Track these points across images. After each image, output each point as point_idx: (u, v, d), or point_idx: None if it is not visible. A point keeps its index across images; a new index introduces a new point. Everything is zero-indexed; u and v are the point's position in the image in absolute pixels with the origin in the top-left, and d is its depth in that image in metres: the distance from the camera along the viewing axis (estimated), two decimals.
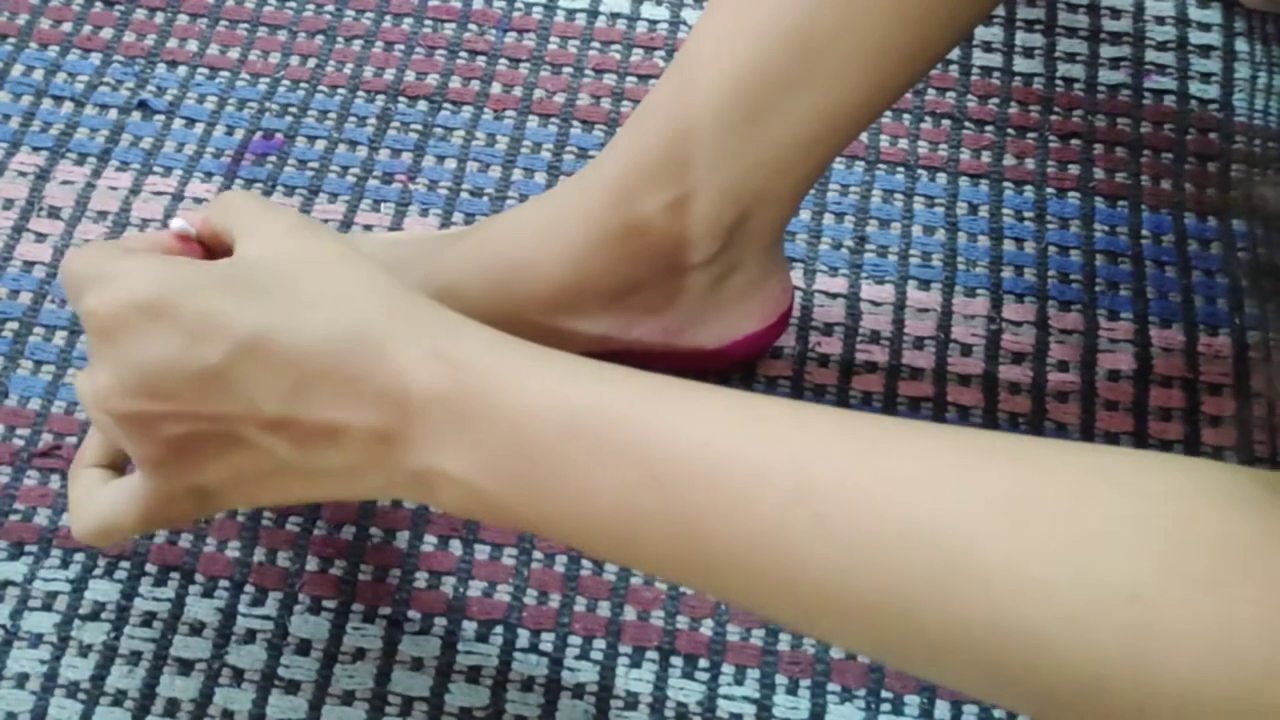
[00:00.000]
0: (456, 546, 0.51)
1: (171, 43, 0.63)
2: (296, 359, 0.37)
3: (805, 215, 0.59)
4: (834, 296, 0.57)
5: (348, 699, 0.48)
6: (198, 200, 0.58)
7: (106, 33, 0.63)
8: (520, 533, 0.44)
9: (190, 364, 0.37)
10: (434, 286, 0.48)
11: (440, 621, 0.49)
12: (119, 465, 0.44)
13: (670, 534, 0.35)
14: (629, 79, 0.63)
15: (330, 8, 0.64)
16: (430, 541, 0.51)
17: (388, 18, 0.64)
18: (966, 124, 0.62)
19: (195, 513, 0.41)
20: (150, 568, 0.50)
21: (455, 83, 0.62)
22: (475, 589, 0.50)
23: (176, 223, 0.43)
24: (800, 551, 0.33)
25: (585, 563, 0.51)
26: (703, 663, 0.49)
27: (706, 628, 0.50)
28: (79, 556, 0.50)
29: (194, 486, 0.40)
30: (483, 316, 0.40)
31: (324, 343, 0.37)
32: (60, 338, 0.55)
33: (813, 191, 0.59)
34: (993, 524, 0.31)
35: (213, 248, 0.43)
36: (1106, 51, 0.64)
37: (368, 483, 0.39)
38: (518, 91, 0.62)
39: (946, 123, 0.62)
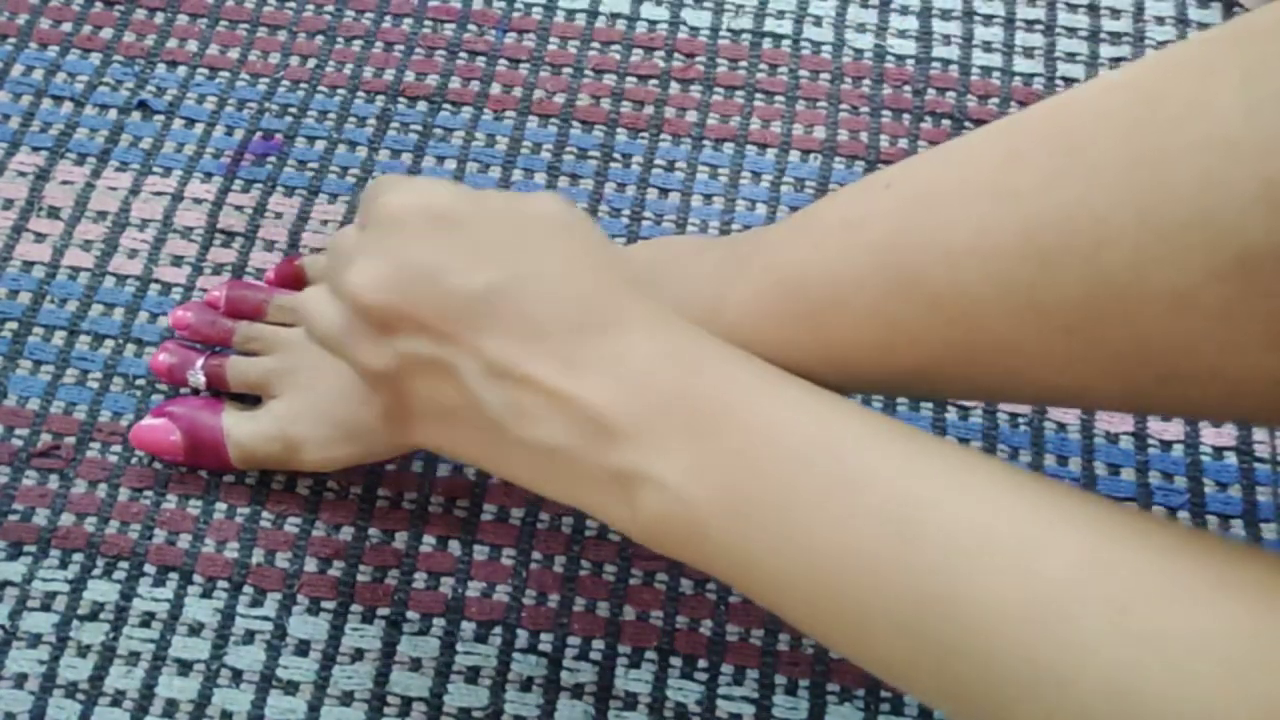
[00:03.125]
0: (455, 547, 0.51)
1: (171, 43, 0.63)
2: (542, 316, 0.37)
3: None
4: None
5: (346, 699, 0.48)
6: (197, 201, 0.58)
7: (106, 33, 0.63)
8: (681, 561, 0.38)
9: (452, 280, 0.37)
10: (695, 313, 0.41)
11: (439, 622, 0.49)
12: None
13: (900, 591, 0.32)
14: (629, 79, 0.63)
15: (330, 8, 0.64)
16: (429, 542, 0.51)
17: (388, 18, 0.64)
18: (966, 124, 0.61)
19: (392, 437, 0.41)
20: (149, 568, 0.50)
21: (455, 83, 0.62)
22: (474, 589, 0.50)
23: None
24: (1086, 643, 0.29)
25: (584, 563, 0.51)
26: (701, 663, 0.49)
27: (705, 628, 0.49)
28: (77, 557, 0.50)
29: (401, 409, 0.40)
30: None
31: (574, 310, 0.37)
32: (59, 338, 0.55)
33: (812, 191, 0.59)
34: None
35: None
36: (1106, 51, 0.64)
37: (562, 472, 0.37)
38: (518, 92, 0.62)
39: (946, 123, 0.62)
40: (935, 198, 0.36)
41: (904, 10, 0.65)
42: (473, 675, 0.48)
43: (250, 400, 0.52)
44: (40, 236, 0.57)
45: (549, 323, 0.37)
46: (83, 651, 0.48)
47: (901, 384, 0.39)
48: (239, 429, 0.50)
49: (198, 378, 0.52)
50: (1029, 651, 0.30)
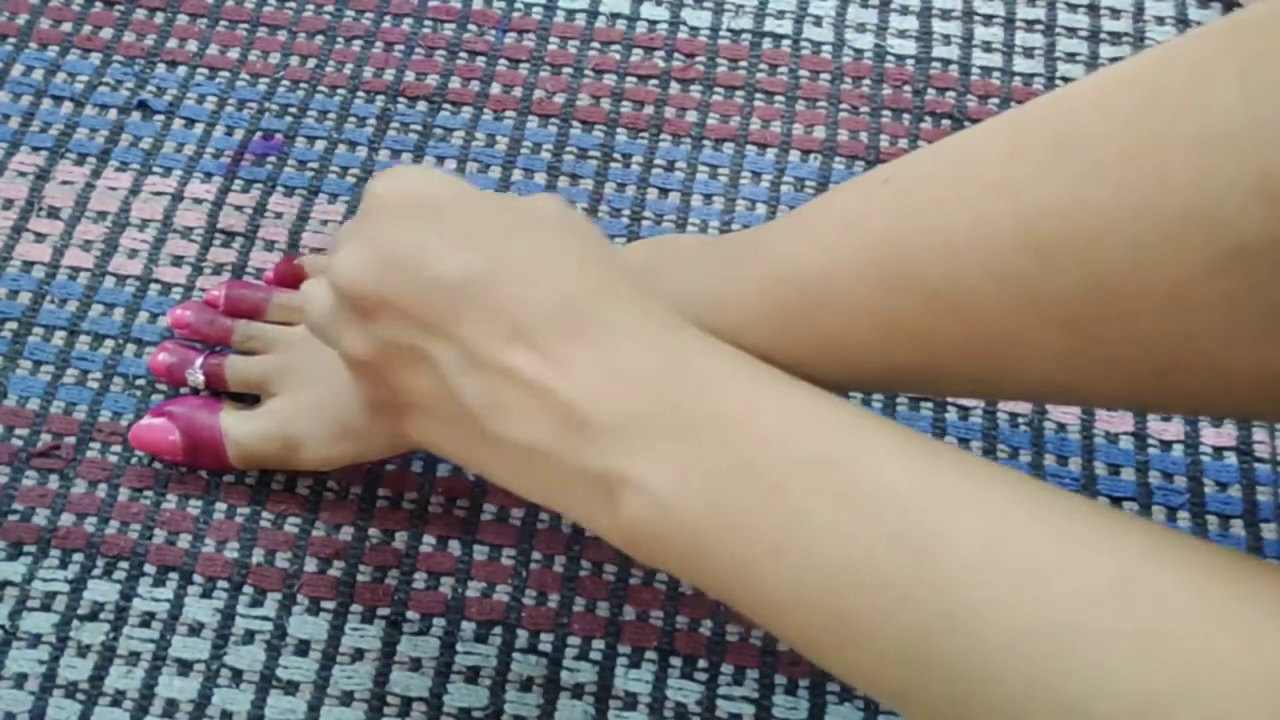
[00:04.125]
0: (455, 547, 0.51)
1: (171, 43, 0.63)
2: (524, 307, 0.36)
3: None
4: None
5: (346, 700, 0.48)
6: (197, 201, 0.58)
7: (106, 33, 0.63)
8: (670, 574, 0.39)
9: (432, 265, 0.36)
10: (695, 311, 0.40)
11: (439, 622, 0.49)
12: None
13: (910, 610, 0.30)
14: (629, 79, 0.63)
15: (330, 8, 0.64)
16: (429, 542, 0.51)
17: (388, 18, 0.64)
18: (966, 124, 0.61)
19: (382, 431, 0.42)
20: (149, 568, 0.50)
21: (455, 83, 0.62)
22: (474, 589, 0.50)
23: None
24: (1107, 666, 0.28)
25: (584, 563, 0.51)
26: (701, 663, 0.49)
27: (705, 628, 0.49)
28: (77, 557, 0.50)
29: (386, 401, 0.40)
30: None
31: (559, 303, 0.35)
32: (59, 338, 0.55)
33: (812, 191, 0.59)
34: None
35: None
36: (1106, 51, 0.64)
37: (540, 471, 0.36)
38: (518, 92, 0.62)
39: (946, 123, 0.62)
40: (932, 192, 0.36)
41: (904, 10, 0.65)
42: (473, 675, 0.48)
43: (249, 399, 0.52)
44: (40, 236, 0.57)
45: (531, 314, 0.35)
46: (83, 651, 0.48)
47: (900, 380, 0.39)
48: (237, 428, 0.50)
49: (196, 377, 0.52)
50: (1046, 675, 0.28)
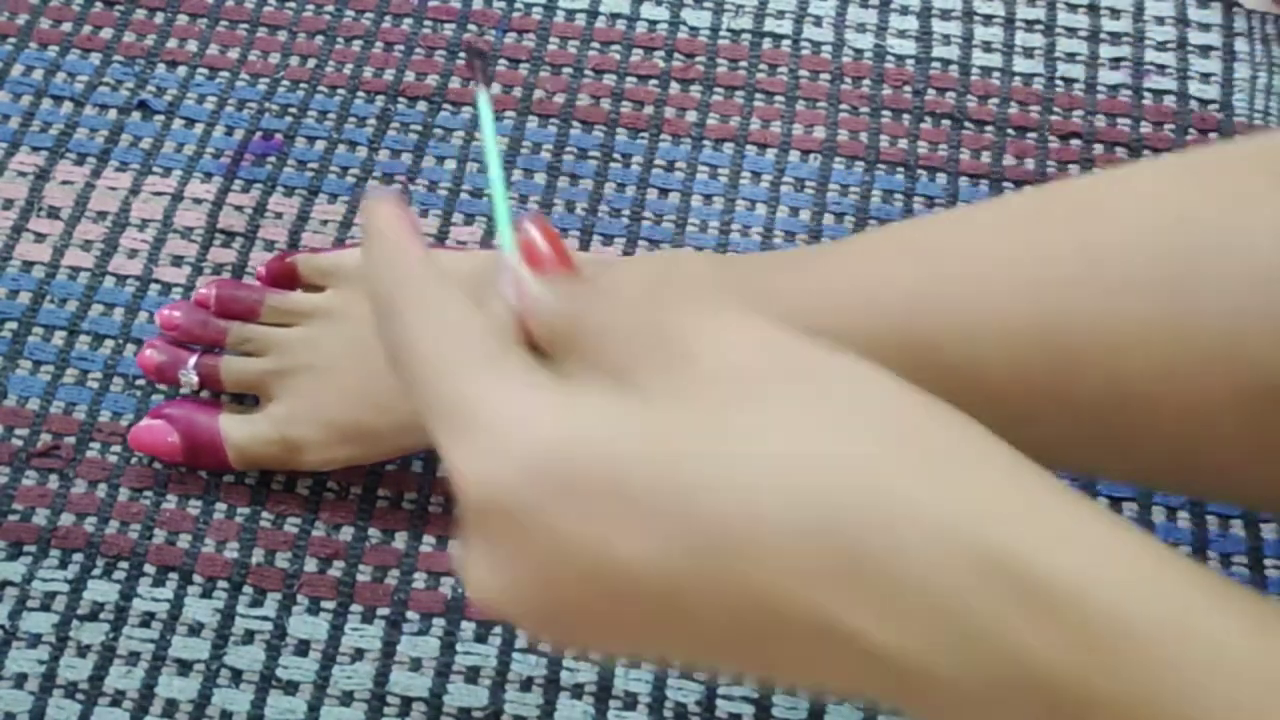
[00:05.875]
0: (455, 547, 0.51)
1: (171, 43, 0.63)
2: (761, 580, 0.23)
3: (805, 215, 0.59)
4: None
5: (346, 699, 0.48)
6: (197, 201, 0.58)
7: (106, 33, 0.63)
8: None
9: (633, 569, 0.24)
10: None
11: (439, 622, 0.49)
12: None
13: None
14: (629, 79, 0.63)
15: (330, 8, 0.64)
16: (429, 542, 0.51)
17: (388, 18, 0.64)
18: (966, 124, 0.62)
19: None
20: (149, 568, 0.50)
21: (455, 83, 0.62)
22: None
23: (529, 229, 0.28)
24: None
25: None
26: None
27: None
28: (77, 557, 0.50)
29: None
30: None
31: (812, 539, 0.23)
32: (59, 338, 0.55)
33: (812, 191, 0.59)
34: None
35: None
36: (1106, 51, 0.64)
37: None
38: (517, 92, 0.62)
39: (946, 123, 0.62)
40: (956, 279, 0.36)
41: (904, 10, 0.65)
42: (473, 675, 0.48)
43: (248, 399, 0.52)
44: (40, 236, 0.57)
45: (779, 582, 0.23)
46: (82, 651, 0.48)
47: None
48: (237, 432, 0.50)
49: (190, 377, 0.51)
50: None
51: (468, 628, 0.49)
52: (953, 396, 0.29)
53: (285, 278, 0.54)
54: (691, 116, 0.61)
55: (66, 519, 0.51)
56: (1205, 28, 0.64)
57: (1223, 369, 0.31)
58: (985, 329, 0.34)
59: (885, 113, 0.62)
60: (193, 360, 0.52)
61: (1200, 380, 0.31)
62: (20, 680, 0.48)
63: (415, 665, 0.49)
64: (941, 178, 0.60)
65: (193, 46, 0.63)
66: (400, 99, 0.62)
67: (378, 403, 0.48)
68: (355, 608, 0.50)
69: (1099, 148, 0.61)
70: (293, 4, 0.64)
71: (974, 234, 0.37)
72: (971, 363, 0.35)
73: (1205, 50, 0.64)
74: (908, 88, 0.63)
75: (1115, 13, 0.65)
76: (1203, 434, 0.32)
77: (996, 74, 0.63)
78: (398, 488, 0.52)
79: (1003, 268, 0.35)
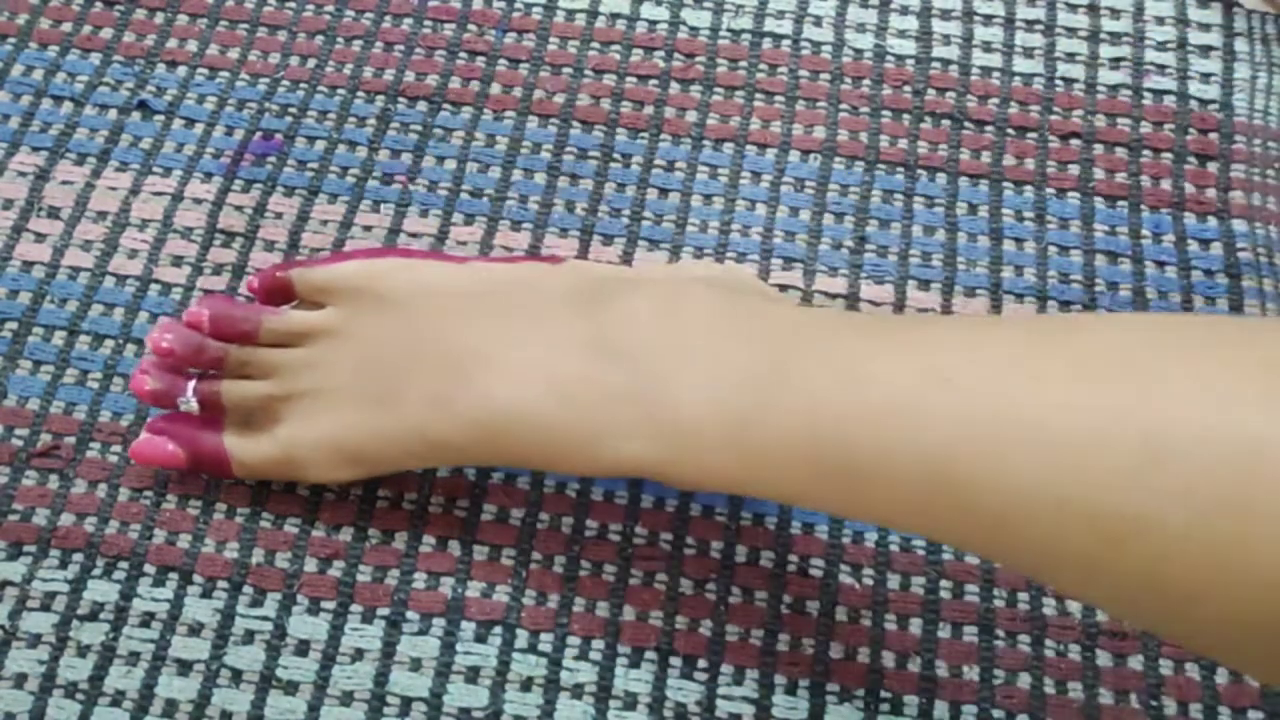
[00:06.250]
0: (455, 547, 0.51)
1: (171, 43, 0.63)
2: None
3: (805, 215, 0.59)
4: (834, 297, 0.57)
5: (346, 700, 0.48)
6: (197, 201, 0.58)
7: (106, 33, 0.63)
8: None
9: None
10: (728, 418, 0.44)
11: (439, 622, 0.49)
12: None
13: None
14: (629, 79, 0.63)
15: (330, 8, 0.64)
16: (429, 542, 0.51)
17: (388, 18, 0.64)
18: (966, 124, 0.61)
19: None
20: (148, 568, 0.50)
21: (455, 83, 0.62)
22: (474, 589, 0.50)
23: None
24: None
25: (584, 563, 0.51)
26: (701, 663, 0.49)
27: (705, 628, 0.49)
28: (77, 557, 0.50)
29: None
30: None
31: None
32: (59, 338, 0.55)
33: (812, 191, 0.59)
34: None
35: None
36: (1106, 51, 0.64)
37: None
38: (518, 92, 0.62)
39: (946, 123, 0.62)
40: (996, 439, 0.36)
41: (904, 10, 0.65)
42: (473, 675, 0.48)
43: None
44: (40, 236, 0.57)
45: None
46: (82, 651, 0.48)
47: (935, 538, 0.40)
48: (243, 452, 0.50)
49: (190, 404, 0.50)
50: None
51: (468, 628, 0.49)
52: (981, 533, 0.37)
53: (279, 293, 0.51)
54: (691, 116, 0.61)
55: (66, 519, 0.51)
56: (1205, 28, 0.64)
57: (1268, 598, 0.31)
58: (1019, 503, 0.35)
59: (885, 113, 0.62)
60: (191, 386, 0.50)
61: (1239, 598, 0.32)
62: (20, 680, 0.48)
63: (415, 665, 0.49)
64: (941, 178, 0.60)
65: (193, 46, 0.63)
66: (400, 99, 0.62)
67: (381, 426, 0.48)
68: (355, 608, 0.50)
69: (1099, 148, 0.61)
70: (293, 4, 0.64)
71: (1023, 381, 0.37)
72: (1005, 518, 0.36)
73: (1205, 50, 0.64)
74: (908, 88, 0.63)
75: (1115, 13, 0.65)
76: (1234, 636, 0.33)
77: (996, 74, 0.63)
78: (398, 488, 0.52)
79: (1054, 451, 0.35)
